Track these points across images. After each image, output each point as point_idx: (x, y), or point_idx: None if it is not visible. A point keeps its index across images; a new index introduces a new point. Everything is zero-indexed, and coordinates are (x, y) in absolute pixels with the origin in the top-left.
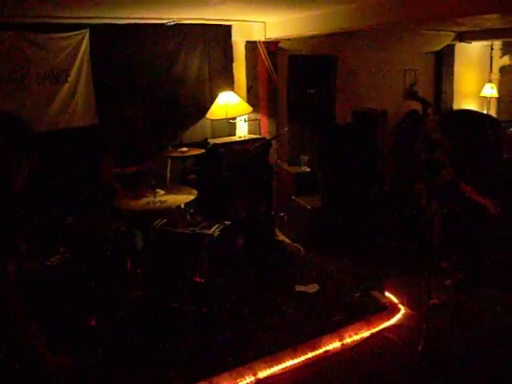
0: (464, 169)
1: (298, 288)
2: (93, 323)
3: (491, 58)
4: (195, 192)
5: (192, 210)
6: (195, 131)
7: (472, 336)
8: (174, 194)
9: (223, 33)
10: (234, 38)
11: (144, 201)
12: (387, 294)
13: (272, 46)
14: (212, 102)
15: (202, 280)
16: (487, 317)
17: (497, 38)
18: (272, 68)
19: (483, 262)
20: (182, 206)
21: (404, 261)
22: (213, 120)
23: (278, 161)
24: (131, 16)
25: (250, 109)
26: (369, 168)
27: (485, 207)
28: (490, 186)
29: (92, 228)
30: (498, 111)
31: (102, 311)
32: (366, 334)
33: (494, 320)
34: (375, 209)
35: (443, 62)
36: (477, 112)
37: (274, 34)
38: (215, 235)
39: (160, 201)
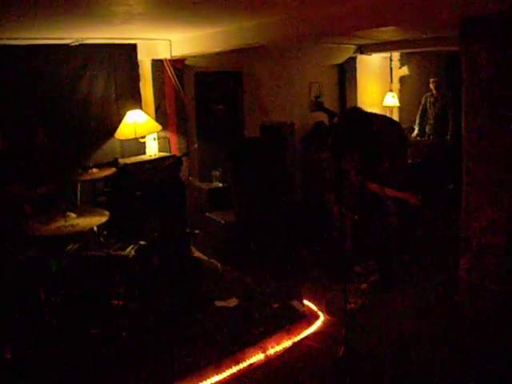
0: (371, 169)
1: (218, 303)
2: (7, 356)
3: (391, 68)
4: (107, 213)
5: (105, 232)
6: (104, 152)
7: (389, 335)
8: (86, 216)
9: (129, 51)
10: (139, 57)
11: (55, 225)
12: (306, 302)
13: (178, 64)
14: (120, 121)
15: (120, 303)
16: (402, 315)
17: (394, 49)
18: (179, 85)
19: (392, 265)
20: (95, 228)
21: (320, 269)
22: (122, 140)
23: (190, 177)
24: (35, 37)
25: (159, 127)
26: (279, 180)
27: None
28: (403, 181)
29: (1, 255)
30: (401, 120)
31: (17, 343)
32: (287, 343)
33: (408, 320)
34: (287, 220)
35: (346, 73)
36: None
37: (179, 51)
38: (130, 256)
39: (72, 224)
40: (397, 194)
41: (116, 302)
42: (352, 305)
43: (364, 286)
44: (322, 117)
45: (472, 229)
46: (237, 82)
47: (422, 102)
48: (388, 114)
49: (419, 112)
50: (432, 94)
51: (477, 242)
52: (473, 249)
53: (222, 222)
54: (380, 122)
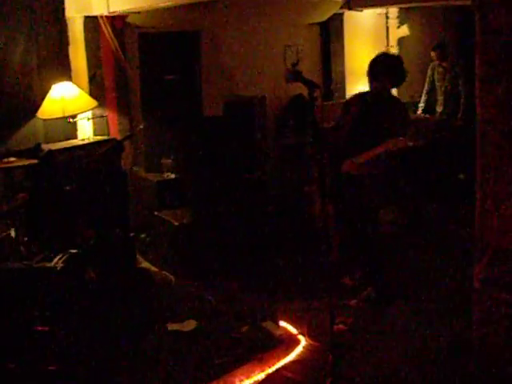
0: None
1: (171, 326)
2: None
3: (387, 28)
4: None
5: (26, 239)
6: (23, 135)
7: (385, 362)
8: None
9: (54, 7)
10: (68, 13)
11: None
12: (282, 323)
13: (118, 23)
14: (43, 96)
15: (46, 328)
16: (400, 337)
17: (392, 4)
18: (119, 50)
19: (386, 274)
20: (13, 234)
21: (300, 281)
22: (46, 120)
23: (134, 167)
24: None
25: (95, 103)
26: (247, 170)
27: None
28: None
29: None
30: (400, 93)
31: None
32: (260, 376)
33: (408, 343)
34: (259, 220)
35: (331, 34)
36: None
37: (119, 6)
38: (58, 268)
39: None
40: (375, 151)
41: (40, 328)
42: (340, 325)
43: (354, 302)
44: (302, 89)
45: (489, 228)
46: (193, 46)
47: (429, 72)
48: None
49: (426, 85)
50: (440, 64)
51: (495, 246)
52: (490, 254)
53: (176, 223)
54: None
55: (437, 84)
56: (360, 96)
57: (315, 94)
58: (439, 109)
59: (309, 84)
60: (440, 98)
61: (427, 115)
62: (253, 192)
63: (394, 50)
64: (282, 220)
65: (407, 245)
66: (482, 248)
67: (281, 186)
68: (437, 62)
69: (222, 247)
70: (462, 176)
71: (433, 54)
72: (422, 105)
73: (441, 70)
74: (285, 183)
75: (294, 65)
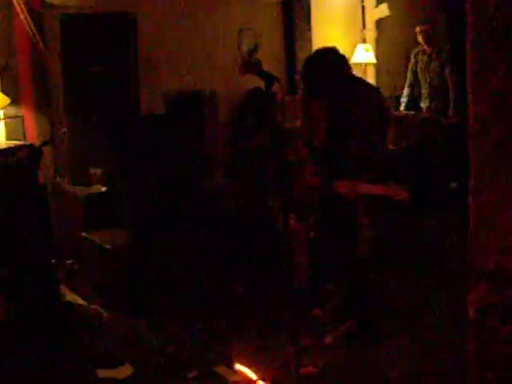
0: (340, 160)
1: (102, 373)
2: None
3: (363, 8)
4: None
5: None
6: None
7: None
8: None
9: None
10: None
11: None
12: (238, 367)
13: (35, 2)
14: None
15: None
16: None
17: None
18: (37, 35)
19: (369, 304)
20: None
21: (260, 314)
22: None
23: (57, 178)
24: None
25: (7, 100)
26: (195, 180)
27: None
28: (381, 171)
29: None
30: (377, 84)
31: None
32: None
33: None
34: (211, 241)
35: (295, 16)
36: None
37: None
38: None
39: None
40: (376, 189)
41: None
42: (309, 368)
43: (328, 339)
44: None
45: (486, 246)
46: (127, 31)
47: (412, 61)
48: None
49: (408, 75)
50: (424, 50)
51: (494, 266)
52: (488, 277)
53: (109, 246)
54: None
55: (420, 75)
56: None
57: (275, 89)
58: (424, 104)
59: (265, 76)
60: (424, 92)
61: (411, 112)
62: (202, 207)
63: (372, 34)
64: (240, 241)
65: (389, 266)
66: (478, 270)
67: (237, 200)
68: (419, 49)
69: (165, 275)
70: (454, 185)
71: (419, 37)
72: (404, 100)
73: (425, 57)
74: (242, 196)
75: (251, 52)
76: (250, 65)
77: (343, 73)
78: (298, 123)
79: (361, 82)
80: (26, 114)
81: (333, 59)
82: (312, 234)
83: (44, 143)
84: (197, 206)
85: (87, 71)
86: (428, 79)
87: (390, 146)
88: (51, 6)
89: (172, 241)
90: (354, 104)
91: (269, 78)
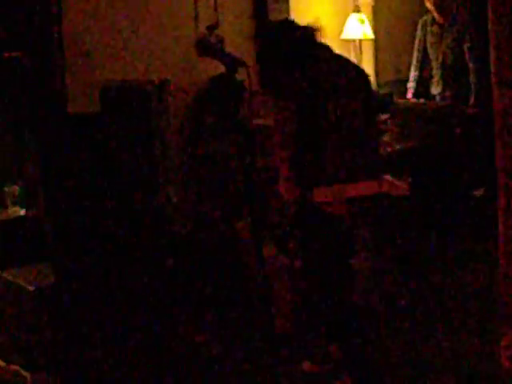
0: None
1: None
2: None
3: None
4: None
5: None
6: None
7: None
8: None
9: None
10: None
11: None
12: None
13: None
14: None
15: None
16: None
17: None
18: None
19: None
20: None
21: (229, 369)
22: None
23: None
24: None
25: None
26: (141, 197)
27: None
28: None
29: None
30: (379, 66)
31: None
32: None
33: None
34: (162, 276)
35: None
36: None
37: None
38: None
39: None
40: (368, 188)
41: None
42: None
43: None
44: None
45: None
46: (48, 6)
47: (419, 34)
48: (353, 55)
49: (415, 54)
50: (434, 19)
51: None
52: None
53: (30, 287)
54: (327, 62)
55: (430, 52)
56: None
57: (241, 77)
58: (436, 90)
59: (228, 60)
60: (436, 74)
61: (422, 100)
62: (151, 232)
63: (368, 0)
64: (198, 274)
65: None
66: (510, 314)
67: (197, 221)
68: (429, 17)
69: (103, 322)
70: (479, 192)
71: (428, 3)
72: (411, 85)
73: (435, 29)
74: (203, 216)
75: (211, 29)
76: (208, 45)
77: (309, 52)
78: (270, 120)
79: (334, 59)
80: None
81: (293, 36)
82: (295, 262)
83: None
84: (144, 232)
85: None
86: (441, 58)
87: (393, 146)
88: None
89: (111, 278)
90: (327, 91)
91: (232, 62)
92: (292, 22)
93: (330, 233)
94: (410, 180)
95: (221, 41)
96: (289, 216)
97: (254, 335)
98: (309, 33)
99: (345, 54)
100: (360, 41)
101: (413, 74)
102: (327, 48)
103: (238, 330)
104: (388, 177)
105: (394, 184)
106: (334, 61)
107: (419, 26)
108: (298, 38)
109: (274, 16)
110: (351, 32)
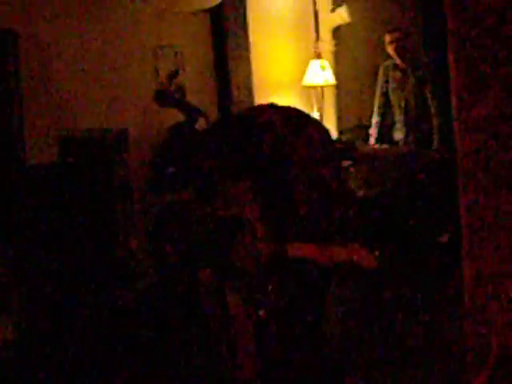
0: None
1: None
2: None
3: (316, 13)
4: None
5: None
6: None
7: None
8: None
9: None
10: None
11: None
12: None
13: None
14: None
15: None
16: None
17: None
18: None
19: None
20: None
21: None
22: None
23: None
24: None
25: None
26: (102, 249)
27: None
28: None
29: None
30: (338, 112)
31: None
32: None
33: None
34: (124, 331)
35: (228, 26)
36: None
37: None
38: None
39: None
40: (338, 254)
41: None
42: None
43: None
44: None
45: (486, 322)
46: (5, 54)
47: (381, 79)
48: (315, 103)
49: (377, 99)
50: (396, 65)
51: (500, 347)
52: (493, 362)
53: None
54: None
55: (392, 97)
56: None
57: (198, 124)
58: (398, 136)
59: (186, 109)
60: (399, 119)
61: (384, 146)
62: (113, 285)
63: (329, 46)
64: (163, 326)
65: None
66: (480, 353)
67: (159, 272)
68: (390, 62)
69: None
70: (443, 238)
71: (389, 47)
72: (374, 130)
73: (398, 74)
74: (166, 266)
75: (172, 76)
76: (168, 94)
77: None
78: None
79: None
80: None
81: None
82: (261, 313)
83: None
84: (106, 285)
85: None
86: (403, 103)
87: (357, 193)
88: None
89: (72, 330)
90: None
91: (191, 111)
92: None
93: (300, 287)
94: (377, 253)
95: (180, 89)
96: (257, 267)
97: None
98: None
99: (306, 101)
100: (322, 87)
101: (375, 119)
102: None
103: (200, 380)
104: (357, 246)
105: (363, 255)
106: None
107: (381, 72)
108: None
109: (235, 64)
110: (312, 79)
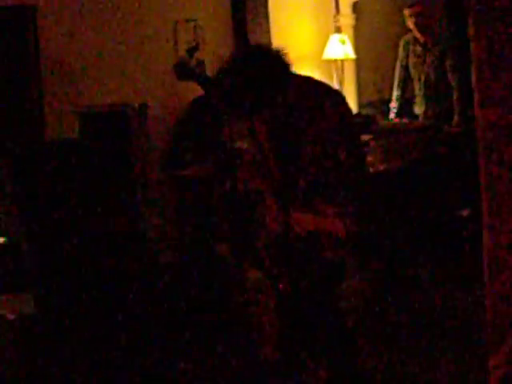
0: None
1: None
2: None
3: None
4: None
5: None
6: None
7: None
8: None
9: None
10: None
11: None
12: None
13: None
14: None
15: None
16: None
17: None
18: None
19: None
20: None
21: None
22: None
23: None
24: None
25: None
26: (120, 225)
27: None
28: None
29: None
30: (358, 86)
31: None
32: None
33: None
34: (142, 304)
35: (247, 2)
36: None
37: None
38: None
39: None
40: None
41: None
42: None
43: None
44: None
45: (508, 300)
46: (24, 29)
47: (401, 54)
48: (335, 77)
49: (397, 73)
50: (416, 39)
51: None
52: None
53: (11, 315)
54: (298, 86)
55: (412, 71)
56: None
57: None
58: (419, 110)
59: (206, 83)
60: (419, 94)
61: (404, 120)
62: (133, 257)
63: (349, 20)
64: (182, 300)
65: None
66: (499, 332)
67: (176, 245)
68: (411, 36)
69: (84, 352)
70: (465, 212)
71: (409, 21)
72: (394, 104)
73: (418, 48)
74: (183, 241)
75: (192, 51)
76: (188, 68)
77: (281, 76)
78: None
79: (309, 83)
80: None
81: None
82: (281, 286)
83: None
84: (127, 257)
85: None
86: (423, 77)
87: (377, 167)
88: None
89: (95, 308)
90: (302, 116)
91: (211, 85)
92: (261, 47)
93: (316, 261)
94: (348, 222)
95: (201, 64)
96: (272, 242)
97: (238, 362)
98: (279, 58)
99: (326, 74)
100: (342, 61)
101: (395, 93)
102: (297, 74)
103: (222, 357)
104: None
105: (331, 222)
106: (306, 85)
107: (401, 46)
108: (268, 63)
109: (255, 38)
110: (332, 52)
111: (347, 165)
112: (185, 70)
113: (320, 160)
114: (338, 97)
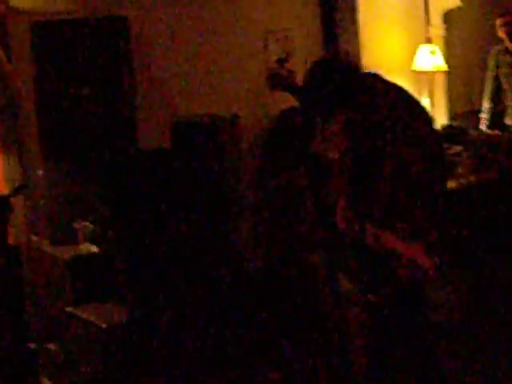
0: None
1: None
2: None
3: None
4: None
5: None
6: None
7: None
8: None
9: None
10: None
11: None
12: None
13: None
14: None
15: None
16: None
17: None
18: (0, 51)
19: None
20: None
21: None
22: None
23: (33, 237)
24: None
25: None
26: (212, 234)
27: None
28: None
29: None
30: (452, 100)
31: None
32: None
33: None
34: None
35: (337, 10)
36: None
37: None
38: None
39: None
40: (402, 246)
41: None
42: None
43: None
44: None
45: None
46: (118, 40)
47: (491, 64)
48: (424, 89)
49: (488, 84)
50: (506, 49)
51: None
52: None
53: (103, 324)
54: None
55: (503, 82)
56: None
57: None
58: (510, 121)
59: (299, 93)
60: (510, 105)
61: (496, 131)
62: (227, 269)
63: (439, 31)
64: (272, 310)
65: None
66: None
67: (267, 256)
68: (502, 46)
69: (176, 360)
70: None
71: (500, 31)
72: (485, 115)
73: (509, 58)
74: (274, 249)
75: (282, 61)
76: (279, 78)
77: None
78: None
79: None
80: None
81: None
82: (370, 296)
83: (15, 191)
84: (217, 267)
85: (68, 95)
86: None
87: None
88: (20, 11)
89: (187, 317)
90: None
91: (303, 95)
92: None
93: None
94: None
95: (291, 74)
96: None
97: (329, 375)
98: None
99: (416, 85)
100: (432, 73)
101: (486, 104)
102: (381, 79)
103: (313, 368)
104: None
105: (421, 256)
106: (390, 93)
107: (491, 56)
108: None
109: (344, 48)
110: (423, 63)
111: (425, 181)
112: (278, 81)
113: (397, 176)
114: (425, 115)
